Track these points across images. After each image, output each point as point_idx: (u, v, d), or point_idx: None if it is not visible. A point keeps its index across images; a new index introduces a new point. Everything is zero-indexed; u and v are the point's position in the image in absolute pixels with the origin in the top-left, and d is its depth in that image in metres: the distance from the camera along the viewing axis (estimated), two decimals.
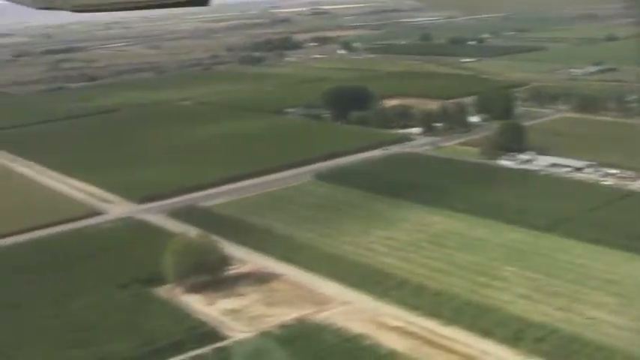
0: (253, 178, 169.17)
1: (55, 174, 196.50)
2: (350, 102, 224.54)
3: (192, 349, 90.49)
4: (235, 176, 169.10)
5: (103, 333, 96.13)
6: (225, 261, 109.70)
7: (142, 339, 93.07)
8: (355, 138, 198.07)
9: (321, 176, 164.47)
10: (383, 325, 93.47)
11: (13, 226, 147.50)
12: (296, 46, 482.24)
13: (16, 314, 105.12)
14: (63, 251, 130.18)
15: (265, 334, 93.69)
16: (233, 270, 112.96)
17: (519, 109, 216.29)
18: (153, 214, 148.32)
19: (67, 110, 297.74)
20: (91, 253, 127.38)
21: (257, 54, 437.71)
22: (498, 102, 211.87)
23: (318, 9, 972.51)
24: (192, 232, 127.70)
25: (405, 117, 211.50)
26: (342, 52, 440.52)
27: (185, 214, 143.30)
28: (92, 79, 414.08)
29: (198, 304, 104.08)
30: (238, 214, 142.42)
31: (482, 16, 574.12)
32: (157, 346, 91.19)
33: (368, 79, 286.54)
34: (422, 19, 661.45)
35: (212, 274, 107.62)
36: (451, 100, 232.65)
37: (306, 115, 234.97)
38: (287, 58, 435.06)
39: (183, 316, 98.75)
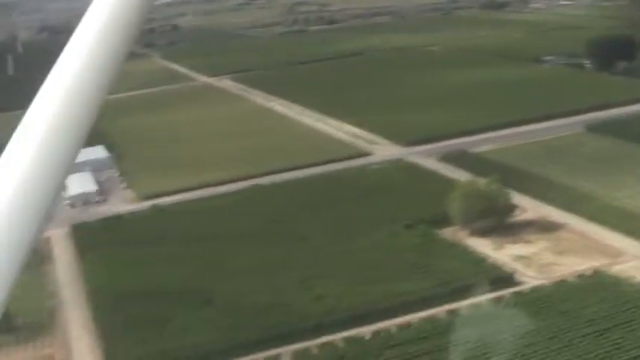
0: (518, 126, 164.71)
1: (314, 114, 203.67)
2: (615, 52, 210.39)
3: (488, 292, 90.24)
4: (500, 124, 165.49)
5: (392, 272, 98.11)
6: (511, 208, 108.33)
7: (436, 279, 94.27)
8: (624, 90, 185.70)
9: (592, 128, 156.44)
10: None
11: (288, 162, 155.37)
12: None
13: (306, 246, 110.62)
14: (339, 189, 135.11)
15: (560, 283, 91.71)
16: (517, 217, 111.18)
17: None
18: (422, 158, 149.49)
19: (311, 53, 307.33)
20: (367, 192, 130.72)
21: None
22: None
23: None
24: (464, 177, 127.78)
25: None
26: None
27: (456, 159, 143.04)
28: (330, 22, 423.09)
29: (485, 248, 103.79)
30: (510, 161, 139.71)
31: None
32: (452, 288, 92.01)
33: (627, 29, 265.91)
34: None
35: (498, 220, 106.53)
36: None
37: (565, 64, 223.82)
38: (532, 5, 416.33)
39: (474, 259, 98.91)
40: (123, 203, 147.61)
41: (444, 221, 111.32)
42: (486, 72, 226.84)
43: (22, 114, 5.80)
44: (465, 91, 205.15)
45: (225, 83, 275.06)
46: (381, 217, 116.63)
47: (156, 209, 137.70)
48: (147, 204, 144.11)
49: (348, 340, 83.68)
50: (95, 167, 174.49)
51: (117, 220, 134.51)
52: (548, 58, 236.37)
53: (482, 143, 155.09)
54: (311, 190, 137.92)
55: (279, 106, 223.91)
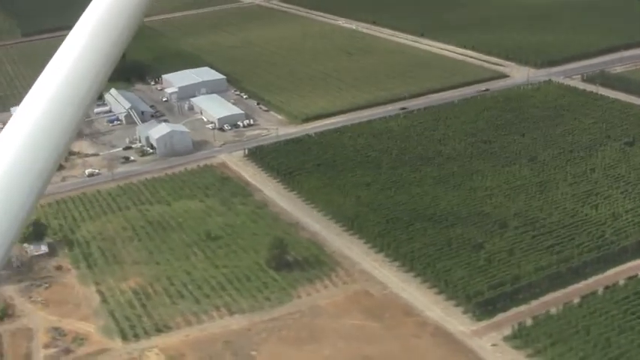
0: (629, 49, 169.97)
1: (402, 34, 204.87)
2: None
3: None
4: (615, 46, 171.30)
5: None
6: None
7: None
8: None
9: None
10: None
11: (438, 83, 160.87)
12: None
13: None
14: (525, 109, 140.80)
15: None
16: None
17: None
18: (567, 79, 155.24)
19: None
20: (557, 111, 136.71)
21: None
22: None
23: None
24: (621, 97, 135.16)
25: None
26: None
27: (601, 80, 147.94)
28: None
29: None
30: None
31: None
32: None
33: None
34: None
35: None
36: None
37: None
38: None
39: None
40: (279, 126, 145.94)
41: None
42: None
43: None
44: (550, 11, 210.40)
45: (277, 4, 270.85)
46: (597, 135, 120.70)
47: (333, 131, 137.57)
48: (307, 127, 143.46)
49: None
50: (213, 88, 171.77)
51: (297, 142, 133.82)
52: None
53: (607, 65, 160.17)
54: (500, 108, 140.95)
55: (358, 27, 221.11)
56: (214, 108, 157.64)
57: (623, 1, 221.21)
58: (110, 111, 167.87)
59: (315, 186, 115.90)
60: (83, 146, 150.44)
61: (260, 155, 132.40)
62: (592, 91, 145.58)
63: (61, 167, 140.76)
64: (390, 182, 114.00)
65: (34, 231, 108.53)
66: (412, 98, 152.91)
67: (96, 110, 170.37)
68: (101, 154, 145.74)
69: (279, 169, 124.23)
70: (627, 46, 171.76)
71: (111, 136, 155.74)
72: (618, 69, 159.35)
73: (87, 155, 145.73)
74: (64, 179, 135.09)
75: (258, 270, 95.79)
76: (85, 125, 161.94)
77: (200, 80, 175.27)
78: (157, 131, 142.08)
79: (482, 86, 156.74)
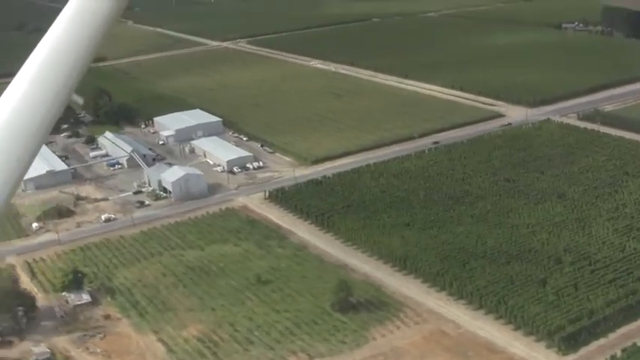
0: (615, 87, 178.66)
1: (383, 75, 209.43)
2: (633, 21, 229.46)
3: None
4: (599, 85, 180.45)
5: None
6: None
7: None
8: None
9: None
10: None
11: (439, 123, 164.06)
12: None
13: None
14: (537, 146, 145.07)
15: None
16: None
17: None
18: (564, 117, 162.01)
19: (312, 17, 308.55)
20: (569, 149, 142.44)
21: None
22: None
23: None
24: (622, 134, 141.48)
25: None
26: None
27: (595, 118, 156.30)
28: None
29: None
30: None
31: None
32: None
33: None
34: None
35: None
36: None
37: (586, 30, 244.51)
38: None
39: None
40: (292, 168, 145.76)
41: None
42: (521, 36, 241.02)
43: None
44: (524, 51, 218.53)
45: (246, 47, 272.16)
46: (615, 172, 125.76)
47: (350, 172, 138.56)
48: (319, 168, 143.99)
49: None
50: (209, 131, 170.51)
51: (318, 184, 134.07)
52: (566, 25, 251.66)
53: (596, 103, 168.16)
54: (510, 147, 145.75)
55: (336, 68, 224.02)
56: (220, 150, 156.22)
57: (588, 41, 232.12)
58: (107, 154, 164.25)
59: (352, 227, 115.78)
60: (89, 191, 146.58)
61: (283, 197, 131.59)
62: (593, 129, 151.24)
63: (72, 213, 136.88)
64: (428, 222, 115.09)
65: (73, 279, 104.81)
66: (419, 138, 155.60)
67: (92, 154, 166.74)
68: (111, 198, 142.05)
69: (309, 211, 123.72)
70: (612, 85, 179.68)
71: (115, 180, 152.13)
72: (609, 107, 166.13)
73: (96, 200, 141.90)
74: (79, 225, 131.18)
75: (322, 313, 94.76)
76: (84, 170, 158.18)
77: (196, 123, 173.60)
78: (171, 175, 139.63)
79: (488, 125, 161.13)
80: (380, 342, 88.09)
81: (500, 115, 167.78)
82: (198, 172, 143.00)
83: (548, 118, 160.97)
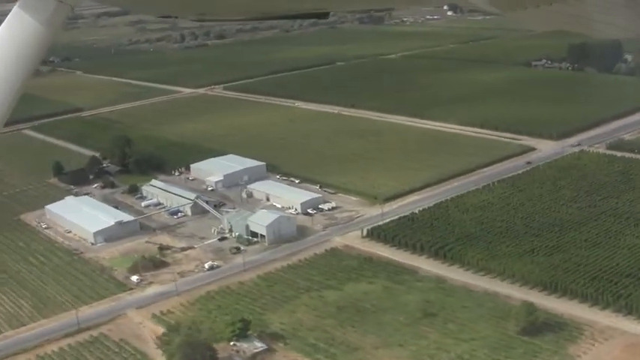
0: (621, 118, 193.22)
1: (386, 115, 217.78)
2: (601, 56, 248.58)
3: None
4: (608, 117, 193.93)
5: None
6: None
7: None
8: None
9: None
10: None
11: (474, 160, 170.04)
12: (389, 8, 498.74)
13: None
14: (584, 180, 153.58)
15: None
16: None
17: None
18: (589, 147, 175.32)
19: (276, 61, 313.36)
20: (611, 182, 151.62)
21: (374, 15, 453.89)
22: None
23: None
24: None
25: None
26: (450, 12, 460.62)
27: (622, 147, 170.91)
28: (220, 37, 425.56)
29: None
30: None
31: None
32: None
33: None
34: None
35: None
36: None
37: (555, 67, 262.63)
38: (404, 19, 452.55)
39: None
40: (363, 207, 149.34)
41: None
42: (498, 73, 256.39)
43: None
44: (511, 87, 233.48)
45: (224, 92, 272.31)
46: None
47: (434, 208, 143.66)
48: (395, 206, 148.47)
49: None
50: (254, 175, 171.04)
51: (411, 220, 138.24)
52: (536, 63, 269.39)
53: (612, 133, 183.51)
54: (567, 177, 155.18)
55: (339, 111, 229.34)
56: (286, 193, 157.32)
57: (565, 77, 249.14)
58: (159, 203, 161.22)
59: (479, 258, 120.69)
60: (168, 240, 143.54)
61: (383, 235, 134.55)
62: (632, 157, 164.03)
63: (165, 263, 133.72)
64: (549, 247, 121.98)
65: (241, 328, 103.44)
66: (466, 174, 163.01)
67: (143, 204, 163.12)
68: (196, 246, 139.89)
69: (422, 247, 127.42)
70: (618, 116, 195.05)
71: (185, 228, 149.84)
72: (627, 136, 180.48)
73: (183, 249, 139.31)
74: (182, 275, 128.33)
75: (509, 338, 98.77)
76: (146, 220, 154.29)
77: (242, 167, 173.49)
78: (263, 219, 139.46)
79: (523, 158, 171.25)
80: (587, 358, 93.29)
81: (531, 149, 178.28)
82: (289, 215, 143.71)
83: (583, 149, 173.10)
